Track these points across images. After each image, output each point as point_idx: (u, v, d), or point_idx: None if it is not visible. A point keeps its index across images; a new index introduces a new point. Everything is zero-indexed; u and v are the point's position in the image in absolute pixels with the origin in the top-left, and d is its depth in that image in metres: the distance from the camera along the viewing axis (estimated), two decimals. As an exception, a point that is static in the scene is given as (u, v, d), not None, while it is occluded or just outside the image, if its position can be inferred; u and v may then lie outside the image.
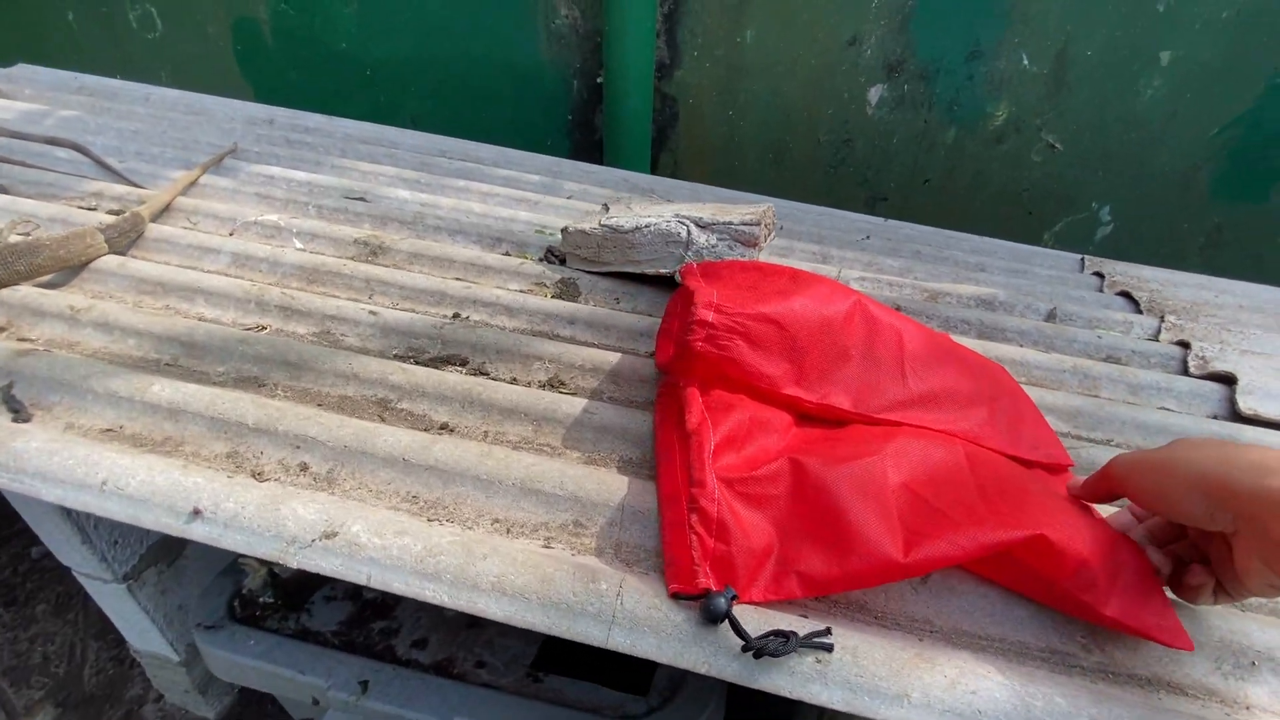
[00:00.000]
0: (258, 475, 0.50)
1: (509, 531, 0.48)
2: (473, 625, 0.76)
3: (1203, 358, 0.76)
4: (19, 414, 0.56)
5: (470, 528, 0.47)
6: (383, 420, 0.57)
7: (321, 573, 0.43)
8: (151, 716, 1.23)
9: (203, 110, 1.35)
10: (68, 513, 0.83)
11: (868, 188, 1.71)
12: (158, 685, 1.19)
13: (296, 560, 0.43)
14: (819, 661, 0.38)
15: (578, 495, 0.49)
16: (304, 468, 0.51)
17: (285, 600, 0.81)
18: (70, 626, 1.35)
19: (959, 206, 1.68)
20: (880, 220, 1.17)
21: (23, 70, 1.49)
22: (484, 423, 0.58)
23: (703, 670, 0.39)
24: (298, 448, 0.52)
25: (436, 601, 0.41)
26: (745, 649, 0.37)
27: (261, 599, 0.81)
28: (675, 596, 0.41)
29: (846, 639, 0.40)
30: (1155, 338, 0.83)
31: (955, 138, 1.62)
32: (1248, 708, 0.40)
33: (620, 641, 0.40)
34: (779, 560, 0.41)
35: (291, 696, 0.74)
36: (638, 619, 0.40)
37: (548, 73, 1.76)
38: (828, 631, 0.39)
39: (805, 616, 0.42)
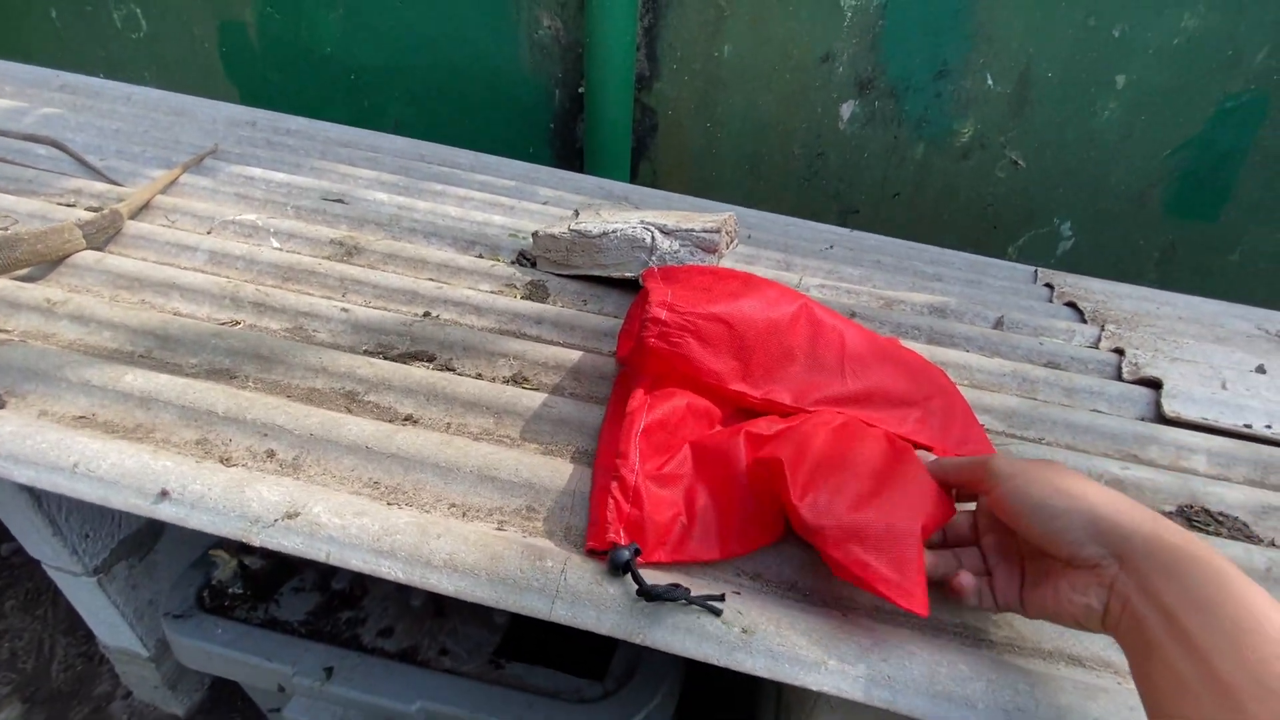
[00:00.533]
0: (225, 460, 0.53)
1: (464, 515, 0.50)
2: (438, 615, 0.78)
3: (1135, 364, 0.80)
4: (-7, 401, 0.58)
5: (427, 511, 0.50)
6: (349, 411, 0.60)
7: (283, 551, 0.45)
8: (120, 713, 1.23)
9: (185, 111, 1.37)
10: (39, 504, 0.84)
11: (840, 200, 1.77)
12: (127, 681, 1.19)
13: (259, 539, 0.46)
14: (745, 632, 0.41)
15: (531, 482, 0.52)
16: (270, 454, 0.53)
17: (254, 591, 0.82)
18: (39, 623, 1.35)
19: (927, 220, 1.74)
20: (846, 231, 1.22)
21: (2, 67, 1.50)
22: (447, 415, 0.61)
23: (637, 640, 0.42)
24: (265, 435, 0.55)
25: (391, 577, 0.44)
26: (639, 593, 0.41)
27: (230, 590, 0.83)
28: (590, 553, 0.45)
29: (772, 613, 0.43)
30: (1095, 345, 0.88)
31: (924, 153, 1.68)
32: (1139, 678, 0.44)
33: (562, 614, 0.42)
34: (683, 528, 0.45)
35: (257, 684, 0.75)
36: (579, 594, 0.43)
37: (530, 82, 1.80)
38: (721, 598, 0.42)
39: (739, 593, 0.45)
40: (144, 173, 1.04)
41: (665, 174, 1.85)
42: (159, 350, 0.65)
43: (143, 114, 1.32)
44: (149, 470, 0.49)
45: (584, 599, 0.43)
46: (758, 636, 0.41)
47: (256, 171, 1.08)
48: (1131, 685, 0.43)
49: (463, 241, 0.95)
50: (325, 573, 0.84)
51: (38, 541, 0.90)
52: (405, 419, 0.60)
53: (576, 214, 0.89)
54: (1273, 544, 0.56)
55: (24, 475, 0.50)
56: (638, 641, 0.42)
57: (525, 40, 1.74)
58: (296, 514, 0.46)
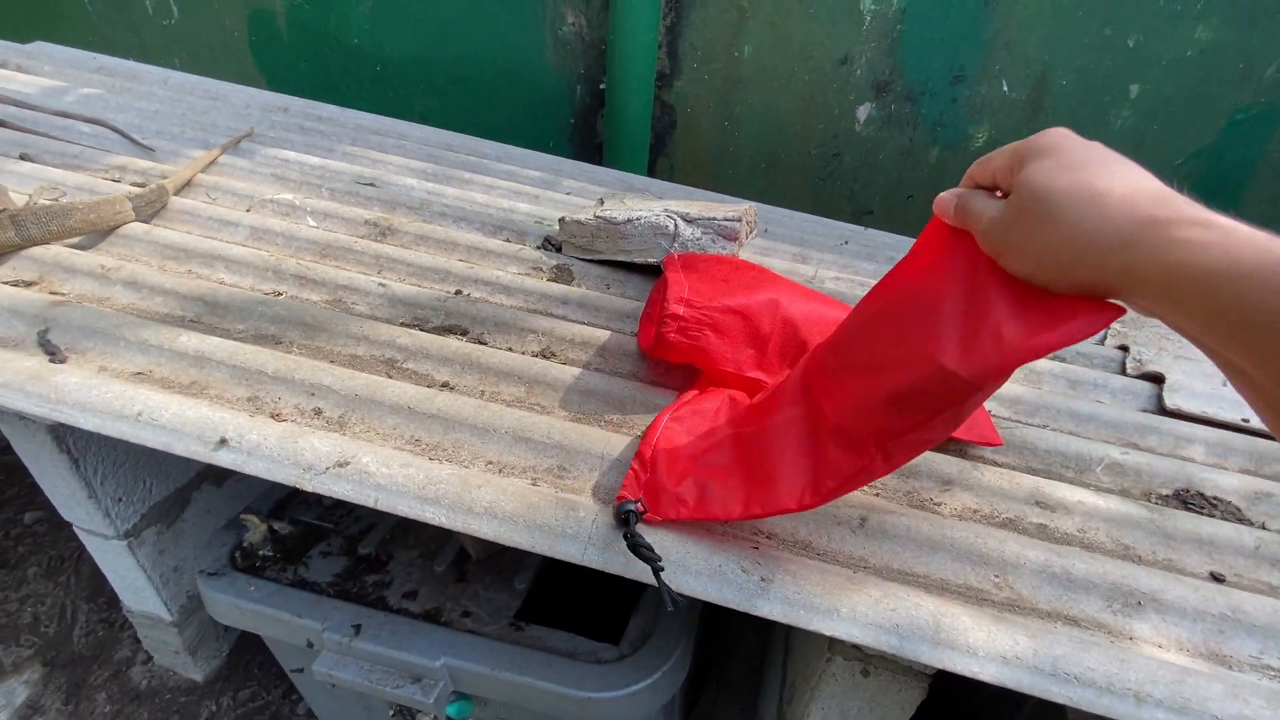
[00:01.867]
0: (276, 416, 0.56)
1: (500, 472, 0.54)
2: (460, 580, 0.81)
3: (1139, 360, 0.83)
4: (54, 355, 0.62)
5: (467, 467, 0.53)
6: (390, 377, 0.63)
7: (334, 496, 0.48)
8: (139, 677, 1.26)
9: (220, 95, 1.41)
10: (77, 467, 0.88)
11: (854, 200, 1.79)
12: (148, 646, 1.23)
13: (311, 484, 0.49)
14: (764, 581, 0.44)
15: (563, 444, 0.55)
16: (318, 412, 0.57)
17: (284, 554, 0.86)
18: (61, 589, 1.39)
19: (939, 222, 1.76)
20: (860, 229, 1.25)
21: (40, 47, 1.55)
22: (481, 383, 0.64)
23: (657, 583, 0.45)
24: (312, 394, 0.58)
25: (436, 522, 0.47)
26: (626, 538, 0.45)
27: (261, 552, 0.86)
28: (615, 511, 0.48)
29: (788, 567, 0.46)
30: (1101, 342, 0.91)
31: (938, 157, 1.70)
32: (1131, 639, 0.47)
33: (594, 558, 0.46)
34: (700, 490, 0.48)
35: (287, 640, 0.78)
36: (610, 541, 0.46)
37: (553, 77, 1.83)
38: (675, 601, 0.43)
39: (757, 548, 0.48)
40: (184, 152, 1.08)
41: (682, 170, 1.89)
42: (208, 316, 0.69)
43: (179, 97, 1.36)
44: (208, 421, 0.53)
45: (614, 546, 0.46)
46: (775, 585, 0.44)
47: (291, 155, 1.12)
48: (1122, 641, 0.46)
49: (490, 226, 0.98)
50: (352, 538, 0.88)
51: (72, 504, 0.94)
52: (442, 385, 0.63)
53: (601, 202, 0.93)
54: (1263, 527, 0.59)
55: (90, 423, 0.54)
56: (656, 584, 0.45)
57: (549, 36, 1.78)
58: (346, 463, 0.50)
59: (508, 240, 0.96)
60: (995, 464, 0.62)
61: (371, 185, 1.05)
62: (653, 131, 1.82)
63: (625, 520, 0.46)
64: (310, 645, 0.77)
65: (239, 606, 0.78)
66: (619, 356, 0.71)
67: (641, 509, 0.47)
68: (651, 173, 1.89)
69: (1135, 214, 0.30)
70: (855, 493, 0.55)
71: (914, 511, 0.53)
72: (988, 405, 0.67)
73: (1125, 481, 0.62)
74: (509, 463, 0.54)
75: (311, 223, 0.92)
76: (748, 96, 1.74)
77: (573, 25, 1.76)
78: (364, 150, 1.21)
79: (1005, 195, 0.36)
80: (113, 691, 1.24)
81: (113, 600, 1.36)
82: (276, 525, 0.89)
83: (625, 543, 0.45)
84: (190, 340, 0.62)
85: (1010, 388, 0.74)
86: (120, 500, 0.97)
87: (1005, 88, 1.60)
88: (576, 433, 0.56)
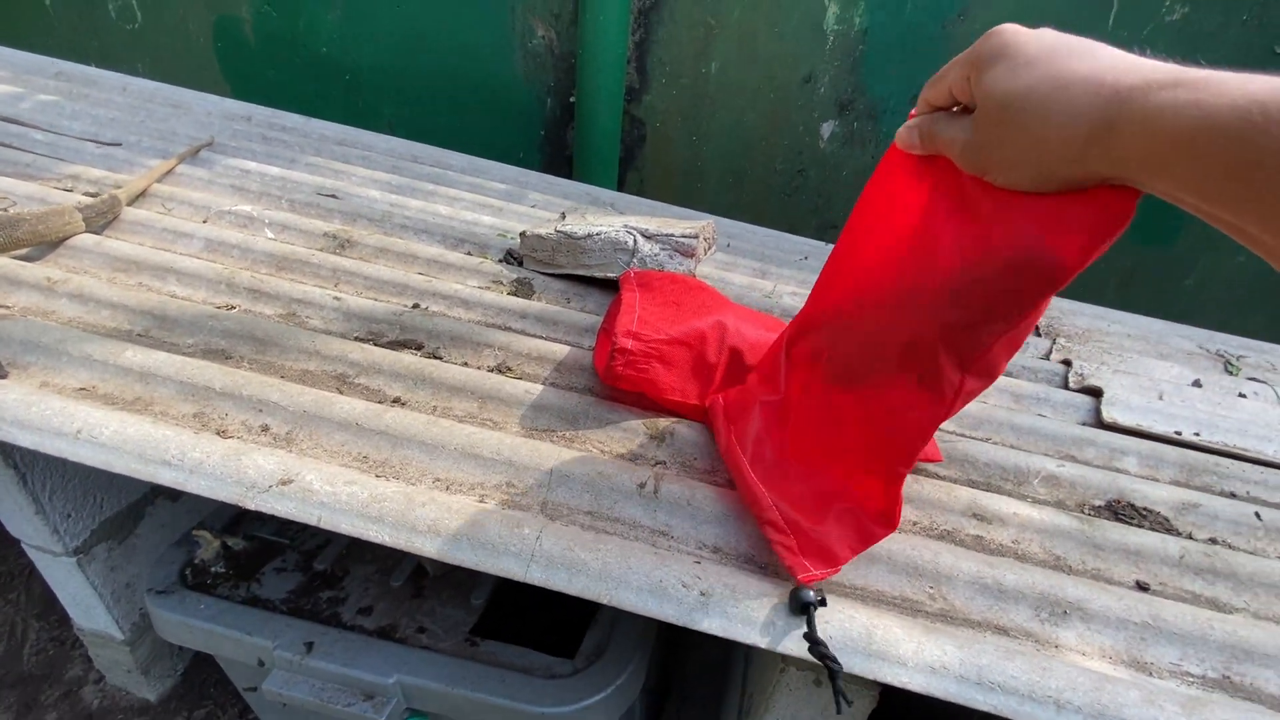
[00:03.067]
0: (222, 433, 0.56)
1: (448, 489, 0.54)
2: (416, 595, 0.81)
3: (1080, 374, 0.86)
4: (-5, 371, 0.60)
5: (414, 484, 0.53)
6: (340, 392, 0.63)
7: (276, 514, 0.48)
8: (91, 697, 1.23)
9: (181, 103, 1.39)
10: (24, 482, 0.86)
11: (818, 215, 1.83)
12: (100, 665, 1.20)
13: (254, 503, 0.49)
14: (704, 595, 0.45)
15: (512, 460, 0.56)
16: (265, 428, 0.57)
17: (236, 571, 0.84)
18: (11, 606, 1.34)
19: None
20: (821, 244, 1.27)
21: (-1, 52, 1.51)
22: (434, 398, 0.64)
23: (604, 600, 0.45)
24: (260, 410, 0.58)
25: (379, 540, 0.47)
26: (800, 614, 0.45)
27: (213, 569, 0.85)
28: (793, 599, 0.46)
29: (729, 580, 0.47)
30: (1046, 357, 0.94)
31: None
32: (1057, 646, 0.48)
33: (537, 576, 0.46)
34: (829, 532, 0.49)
35: (237, 659, 0.77)
36: (554, 558, 0.47)
37: (523, 89, 1.84)
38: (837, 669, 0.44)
39: (699, 563, 0.49)
40: (140, 161, 1.07)
41: (651, 183, 1.91)
42: (157, 330, 0.68)
43: (139, 104, 1.34)
44: (150, 438, 0.52)
45: (557, 562, 0.47)
46: (714, 600, 0.45)
47: (252, 165, 1.11)
48: (1048, 650, 0.48)
49: (452, 239, 0.99)
50: (308, 554, 0.87)
51: (20, 520, 0.91)
52: (394, 401, 0.63)
53: (563, 216, 0.94)
54: (1190, 536, 0.62)
55: (28, 440, 0.53)
56: (604, 601, 0.46)
57: (520, 48, 1.79)
58: (290, 481, 0.50)
59: (469, 253, 0.96)
60: (937, 477, 0.64)
61: (333, 197, 1.05)
62: (622, 145, 1.84)
63: (805, 610, 0.44)
64: (261, 664, 0.75)
65: (188, 625, 0.77)
66: (575, 371, 0.71)
67: (818, 594, 0.45)
68: (621, 186, 1.90)
69: (1102, 95, 0.29)
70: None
71: (855, 524, 0.55)
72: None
73: (1060, 493, 0.65)
74: (457, 479, 0.55)
75: (269, 235, 0.91)
76: (715, 112, 1.77)
77: (543, 38, 1.77)
78: (328, 161, 1.20)
79: (968, 110, 0.35)
80: (63, 711, 1.20)
81: (64, 618, 1.32)
82: (230, 541, 0.88)
83: (806, 642, 0.43)
84: (136, 355, 0.61)
85: (956, 402, 0.76)
86: (69, 516, 0.94)
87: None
88: (527, 448, 0.57)
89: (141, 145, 1.13)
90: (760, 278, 1.05)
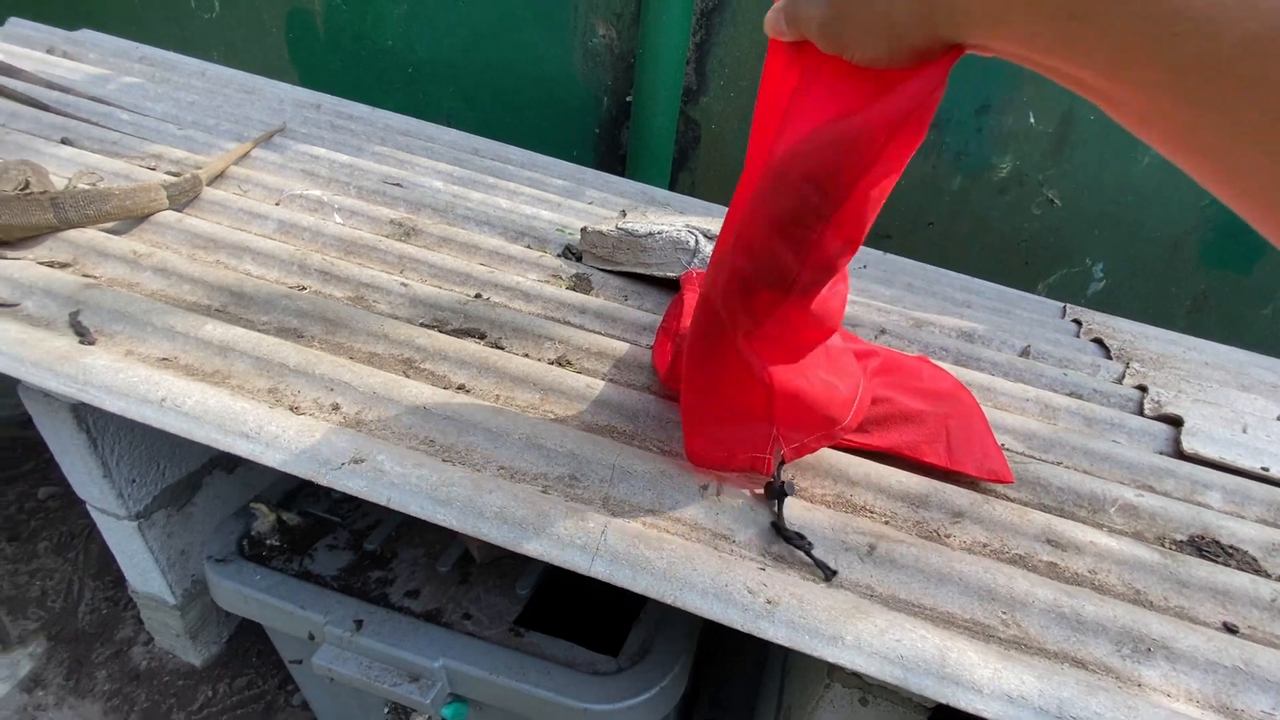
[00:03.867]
0: (295, 409, 0.57)
1: (512, 477, 0.54)
2: (463, 582, 0.82)
3: (1157, 401, 0.82)
4: (84, 337, 0.63)
5: (479, 470, 0.54)
6: (407, 376, 0.64)
7: (348, 492, 0.49)
8: (139, 658, 1.27)
9: (254, 89, 1.44)
10: (94, 446, 0.90)
11: (874, 225, 1.79)
12: (150, 627, 1.24)
13: (327, 479, 0.50)
14: (769, 603, 0.44)
15: (575, 453, 0.56)
16: (336, 407, 0.58)
17: (290, 545, 0.87)
18: (69, 565, 1.40)
19: (959, 251, 1.76)
20: (879, 253, 1.25)
21: (86, 35, 1.59)
22: (497, 387, 0.65)
23: (668, 600, 0.45)
24: (331, 390, 0.59)
25: (447, 524, 0.48)
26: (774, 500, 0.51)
27: (268, 541, 0.87)
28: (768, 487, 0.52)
29: (795, 589, 0.46)
30: (1119, 381, 0.90)
31: (961, 185, 1.70)
32: (1139, 685, 0.46)
33: (600, 570, 0.46)
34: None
35: (287, 630, 0.79)
36: (618, 554, 0.46)
37: (580, 87, 1.86)
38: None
39: (764, 569, 0.48)
40: (218, 144, 1.11)
41: (704, 186, 1.90)
42: (234, 306, 0.70)
43: (216, 89, 1.39)
44: (229, 410, 0.53)
45: (622, 559, 0.46)
46: (780, 608, 0.44)
47: (321, 151, 1.14)
48: (1130, 688, 0.46)
49: (512, 232, 0.99)
50: (359, 533, 0.89)
51: (87, 483, 0.95)
52: (459, 388, 0.64)
53: (624, 214, 0.93)
54: (1280, 579, 0.58)
55: (115, 405, 0.55)
56: (668, 602, 0.45)
57: (580, 47, 1.80)
58: (362, 460, 0.50)
59: (529, 247, 0.97)
60: (1007, 499, 0.62)
61: (398, 185, 1.07)
62: (676, 146, 1.83)
63: (781, 495, 0.50)
64: (311, 638, 0.77)
65: (243, 594, 0.79)
66: (634, 369, 0.71)
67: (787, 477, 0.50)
68: (673, 186, 1.90)
69: None
70: (865, 519, 0.55)
71: (923, 542, 0.53)
72: (1000, 440, 0.67)
73: (1139, 524, 0.62)
74: (520, 469, 0.55)
75: (338, 219, 0.93)
76: (773, 116, 1.75)
77: (603, 37, 1.78)
78: (393, 150, 1.23)
79: None
80: (113, 670, 1.25)
81: (118, 580, 1.38)
82: (285, 516, 0.90)
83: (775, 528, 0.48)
84: (215, 329, 0.63)
85: (1025, 422, 0.73)
86: (134, 481, 0.98)
87: (1032, 119, 1.59)
88: (590, 443, 0.57)
89: (219, 129, 1.17)
90: (818, 285, 1.03)
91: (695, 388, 0.51)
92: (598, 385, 0.65)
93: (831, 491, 0.57)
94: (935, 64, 0.33)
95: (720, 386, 0.50)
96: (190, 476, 1.08)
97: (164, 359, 0.61)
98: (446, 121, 1.77)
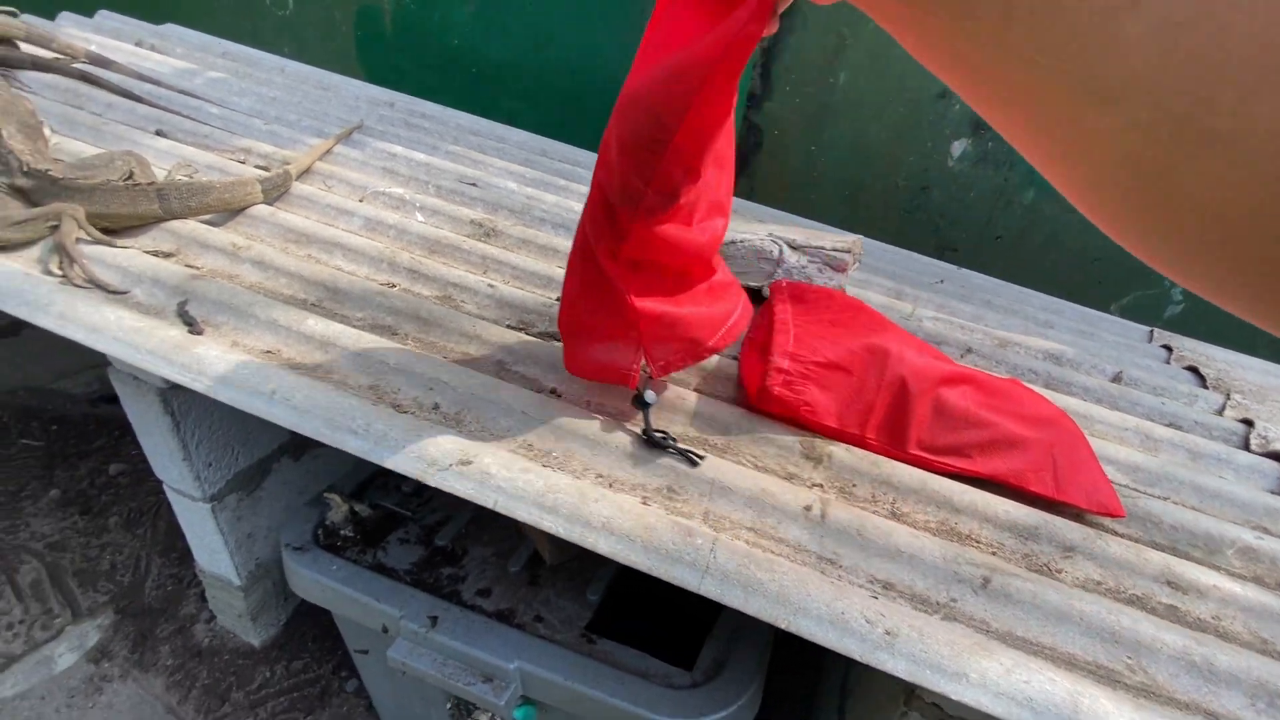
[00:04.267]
0: (397, 408, 0.58)
1: (610, 486, 0.54)
2: (532, 583, 0.82)
3: (1265, 437, 0.78)
4: (192, 327, 0.65)
5: (578, 478, 0.53)
6: (499, 378, 0.64)
7: (456, 494, 0.49)
8: (201, 635, 1.31)
9: (331, 86, 1.47)
10: (177, 429, 0.92)
11: (939, 236, 1.75)
12: (214, 606, 1.28)
13: (435, 480, 0.50)
14: (889, 634, 0.43)
15: (673, 466, 0.55)
16: (436, 406, 0.58)
17: (363, 536, 0.88)
18: (138, 541, 1.45)
19: (1028, 266, 1.70)
20: (953, 268, 1.21)
21: (171, 29, 1.65)
22: (586, 394, 0.64)
23: (781, 625, 0.44)
24: (431, 389, 0.59)
25: (554, 531, 0.47)
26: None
27: (342, 532, 0.88)
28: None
29: (912, 620, 0.44)
30: (1219, 413, 0.85)
31: (1033, 199, 1.65)
32: (1280, 744, 0.43)
33: (711, 589, 0.45)
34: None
35: (362, 621, 0.80)
36: (729, 573, 0.45)
37: (643, 89, 1.85)
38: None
39: (876, 598, 0.46)
40: (300, 139, 1.13)
41: (761, 191, 1.88)
42: (328, 301, 0.71)
43: (295, 85, 1.42)
44: (337, 405, 0.54)
45: (732, 578, 0.45)
46: (900, 640, 0.43)
47: (399, 149, 1.16)
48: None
49: (588, 234, 0.99)
50: (429, 528, 0.89)
51: (167, 464, 0.98)
52: (550, 391, 0.64)
53: (703, 220, 0.92)
54: None
55: (226, 395, 0.56)
56: (781, 626, 0.44)
57: (644, 50, 1.80)
58: (469, 462, 0.51)
59: (605, 250, 0.96)
60: (1117, 535, 0.59)
61: (474, 185, 1.08)
62: (737, 150, 1.82)
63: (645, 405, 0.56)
64: (385, 630, 0.78)
65: (321, 583, 0.80)
66: (720, 380, 0.70)
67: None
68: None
69: None
70: (976, 551, 0.53)
71: (1036, 576, 0.51)
72: (1107, 472, 0.64)
73: (1260, 568, 0.58)
74: (619, 478, 0.54)
75: (420, 218, 0.94)
76: (838, 123, 1.72)
77: (669, 40, 1.77)
78: (465, 150, 1.24)
79: None
80: (176, 645, 1.29)
81: (183, 557, 1.42)
82: (357, 507, 0.91)
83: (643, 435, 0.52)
84: (317, 324, 0.64)
85: (1128, 453, 0.70)
86: (210, 465, 1.01)
87: (1113, 134, 1.53)
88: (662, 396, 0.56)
89: (301, 124, 1.20)
90: (896, 298, 1.00)
91: (571, 305, 0.55)
92: (687, 396, 0.65)
93: (935, 518, 0.55)
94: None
95: (593, 306, 0.53)
96: (261, 462, 1.11)
97: (268, 351, 0.62)
98: (507, 120, 1.79)
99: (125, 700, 1.20)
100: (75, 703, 1.18)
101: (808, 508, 0.52)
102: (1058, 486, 0.59)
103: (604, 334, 0.55)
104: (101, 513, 1.50)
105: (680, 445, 0.55)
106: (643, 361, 0.55)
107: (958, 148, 1.64)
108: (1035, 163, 0.22)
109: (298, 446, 1.16)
